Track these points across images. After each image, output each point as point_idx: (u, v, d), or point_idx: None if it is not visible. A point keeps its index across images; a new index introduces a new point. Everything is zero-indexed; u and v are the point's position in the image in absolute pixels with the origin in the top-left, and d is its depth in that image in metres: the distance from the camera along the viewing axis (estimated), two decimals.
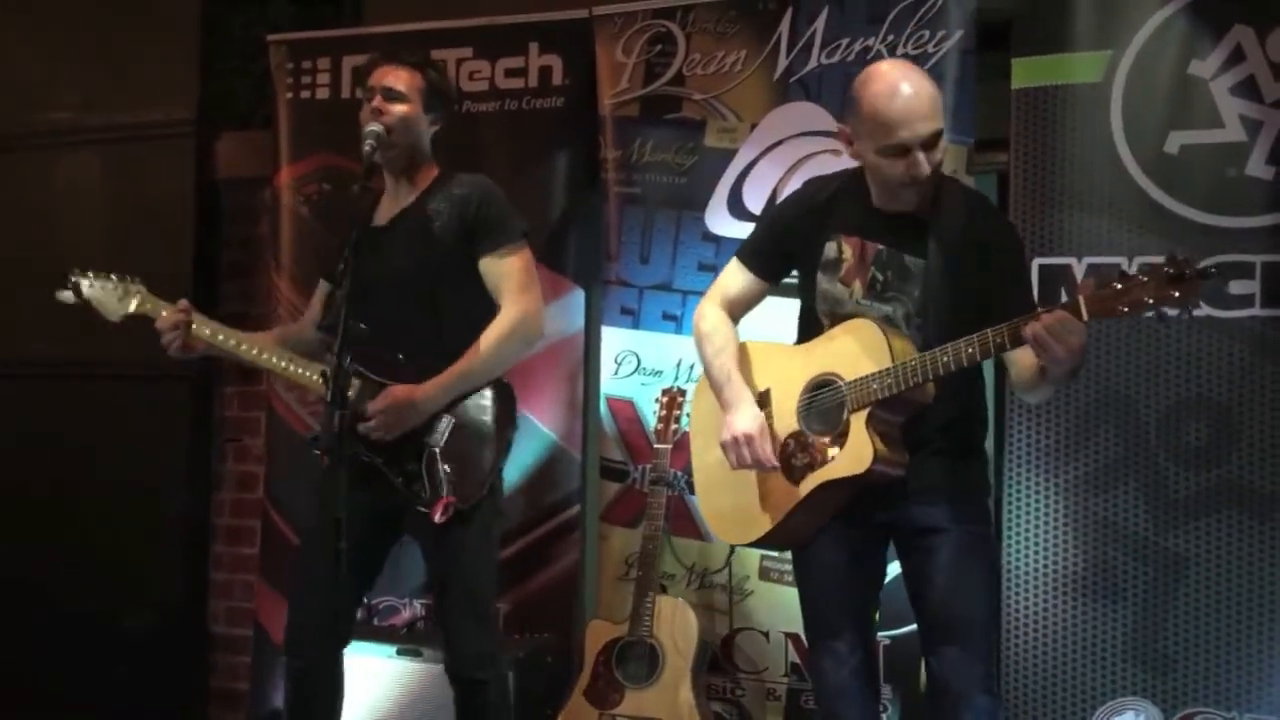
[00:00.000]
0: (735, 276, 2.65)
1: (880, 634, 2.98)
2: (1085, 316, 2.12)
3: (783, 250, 2.60)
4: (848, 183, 2.54)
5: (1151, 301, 2.06)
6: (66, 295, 2.88)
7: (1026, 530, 3.12)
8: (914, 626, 3.08)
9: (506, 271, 2.80)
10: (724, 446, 2.49)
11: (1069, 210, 3.12)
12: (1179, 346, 3.02)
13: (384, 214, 2.86)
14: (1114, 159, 3.10)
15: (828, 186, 2.58)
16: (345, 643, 2.77)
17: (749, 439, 2.45)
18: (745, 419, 2.47)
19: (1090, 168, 3.11)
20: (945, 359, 2.27)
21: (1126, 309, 2.08)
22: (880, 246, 2.45)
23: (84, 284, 2.87)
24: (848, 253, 2.48)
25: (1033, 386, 2.36)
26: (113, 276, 2.87)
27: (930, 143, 2.33)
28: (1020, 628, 3.10)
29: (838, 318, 2.49)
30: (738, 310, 2.65)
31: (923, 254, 2.40)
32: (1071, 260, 3.11)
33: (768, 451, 2.46)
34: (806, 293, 2.57)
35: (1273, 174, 2.97)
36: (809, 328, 2.58)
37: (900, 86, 2.33)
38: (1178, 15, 3.06)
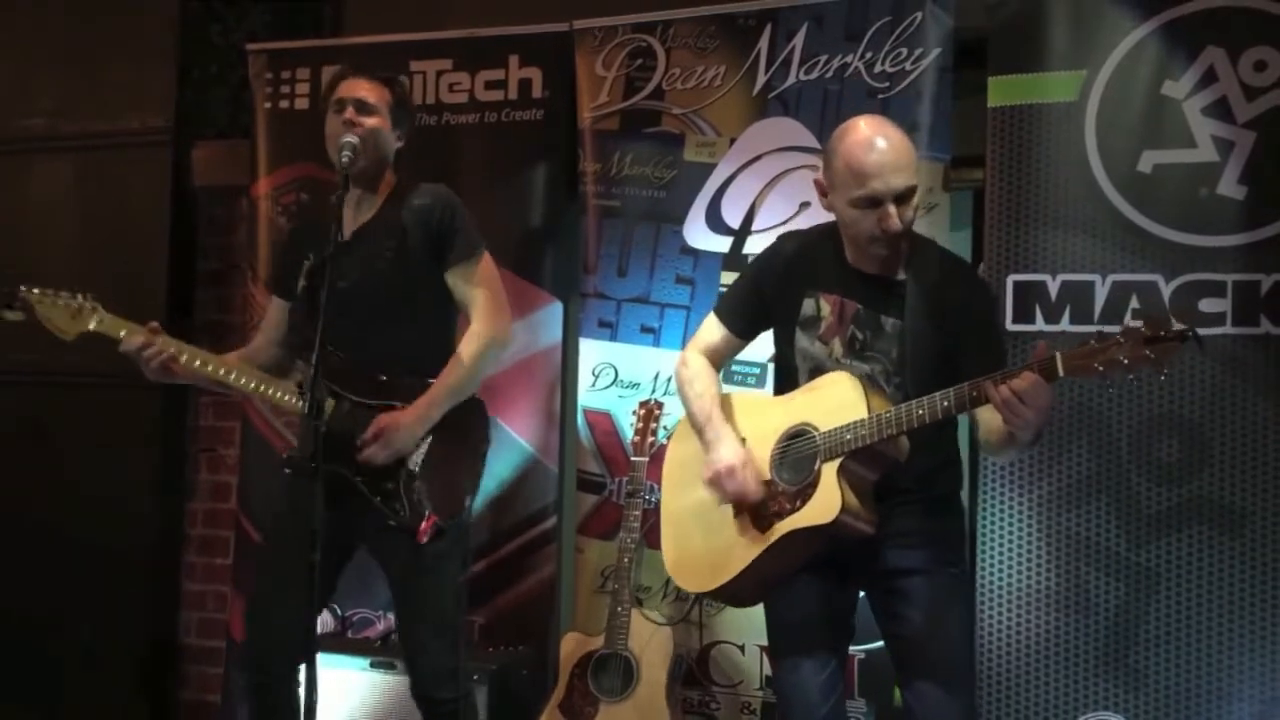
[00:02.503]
0: (713, 331, 2.65)
1: (854, 648, 2.99)
2: (1061, 373, 2.13)
3: (760, 308, 2.60)
4: (825, 239, 2.53)
5: (1127, 362, 2.07)
6: (15, 314, 2.79)
7: (1000, 545, 3.14)
8: None
9: (476, 283, 2.81)
10: (709, 483, 2.47)
11: (1044, 227, 3.15)
12: None
13: (347, 227, 2.82)
14: (1088, 177, 3.13)
15: (804, 242, 2.57)
16: (311, 655, 2.74)
17: (731, 470, 2.43)
18: (728, 452, 2.46)
19: (1065, 185, 3.14)
20: (920, 412, 2.26)
21: (1102, 368, 2.09)
22: (858, 305, 2.45)
23: (34, 301, 2.78)
24: (826, 310, 2.48)
25: (998, 448, 2.36)
26: (64, 293, 2.79)
27: (903, 197, 2.33)
28: (993, 642, 3.11)
29: (815, 373, 2.49)
30: (717, 361, 2.66)
31: (899, 314, 2.40)
32: (1046, 277, 3.14)
33: (751, 482, 2.43)
34: (783, 346, 2.57)
35: (1244, 194, 3.01)
36: (785, 380, 2.57)
37: (875, 139, 2.33)
38: (1151, 36, 3.09)
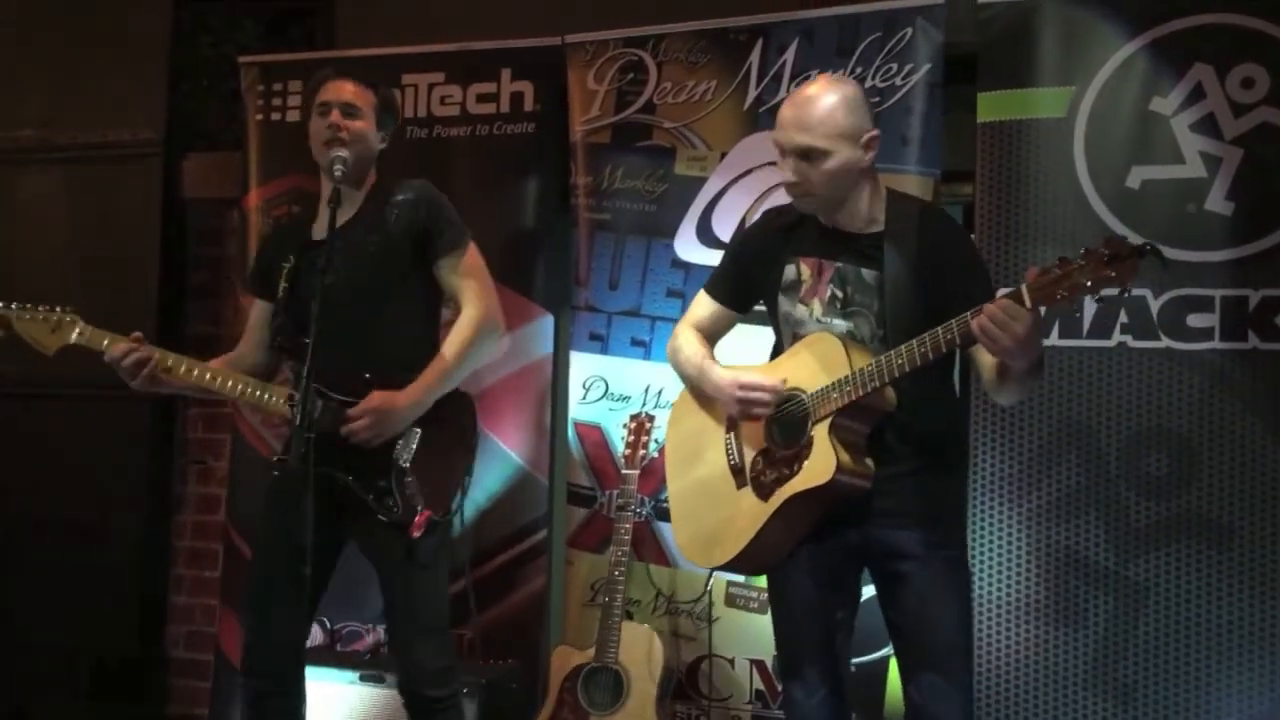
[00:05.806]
0: (703, 306, 2.69)
1: None
2: (1028, 303, 2.12)
3: (746, 278, 2.63)
4: None
5: (1089, 284, 2.06)
6: None
7: (989, 558, 3.14)
8: (880, 653, 3.13)
9: (465, 272, 2.83)
10: (732, 402, 2.48)
11: (1033, 242, 3.17)
12: (1140, 378, 3.06)
13: (326, 225, 2.76)
14: (1077, 192, 3.15)
15: (787, 213, 2.60)
16: (303, 664, 2.75)
17: (754, 384, 2.45)
18: (729, 376, 2.50)
19: (1054, 201, 3.16)
20: (900, 361, 2.28)
21: (1066, 293, 2.09)
22: (838, 264, 2.47)
23: (12, 317, 2.77)
24: (806, 273, 2.51)
25: (998, 386, 2.36)
26: (42, 308, 2.79)
27: (806, 154, 2.37)
28: (982, 656, 3.11)
29: (799, 338, 2.52)
30: (709, 334, 2.69)
31: (879, 267, 2.43)
32: None
33: (765, 384, 2.44)
34: (773, 318, 2.59)
35: (1231, 210, 3.03)
36: (780, 353, 2.59)
37: (802, 92, 2.41)
38: (1140, 53, 3.12)
